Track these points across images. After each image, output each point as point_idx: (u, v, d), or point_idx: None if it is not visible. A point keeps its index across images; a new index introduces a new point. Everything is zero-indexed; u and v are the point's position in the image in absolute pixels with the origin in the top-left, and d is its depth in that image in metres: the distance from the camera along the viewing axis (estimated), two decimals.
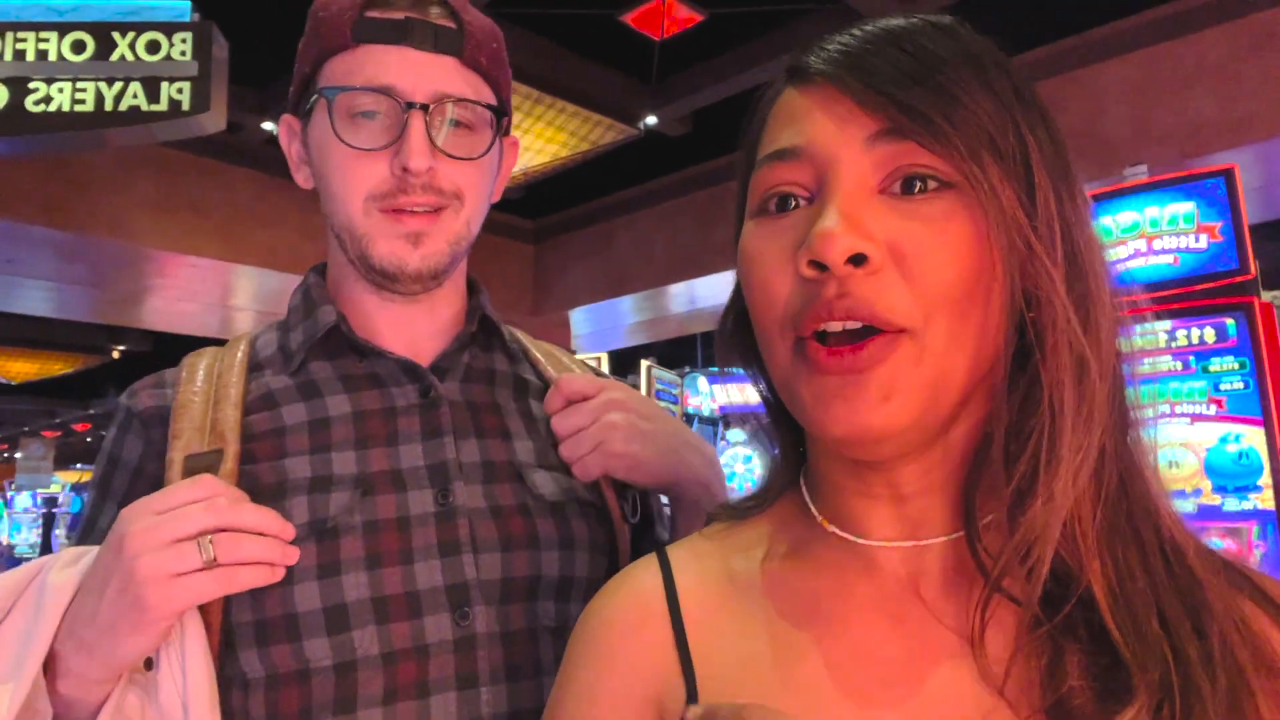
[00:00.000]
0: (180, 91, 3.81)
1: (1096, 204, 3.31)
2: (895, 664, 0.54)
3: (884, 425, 0.51)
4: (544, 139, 6.35)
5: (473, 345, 0.97)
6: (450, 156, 0.85)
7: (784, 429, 0.65)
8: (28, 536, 17.59)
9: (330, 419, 0.86)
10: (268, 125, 6.50)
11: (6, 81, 3.72)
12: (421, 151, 0.83)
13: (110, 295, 8.08)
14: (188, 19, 3.82)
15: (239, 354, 0.92)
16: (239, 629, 0.77)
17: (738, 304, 0.64)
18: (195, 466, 0.80)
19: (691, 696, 0.57)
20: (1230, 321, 2.92)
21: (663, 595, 0.62)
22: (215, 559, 0.70)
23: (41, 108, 3.73)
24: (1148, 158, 4.14)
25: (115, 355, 11.63)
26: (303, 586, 0.78)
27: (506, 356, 1.00)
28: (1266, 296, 3.01)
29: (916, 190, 0.51)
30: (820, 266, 0.50)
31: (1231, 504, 2.86)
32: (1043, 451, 0.50)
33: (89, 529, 0.89)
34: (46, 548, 16.36)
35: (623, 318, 8.62)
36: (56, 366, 11.68)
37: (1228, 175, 2.95)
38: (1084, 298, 0.51)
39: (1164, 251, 3.09)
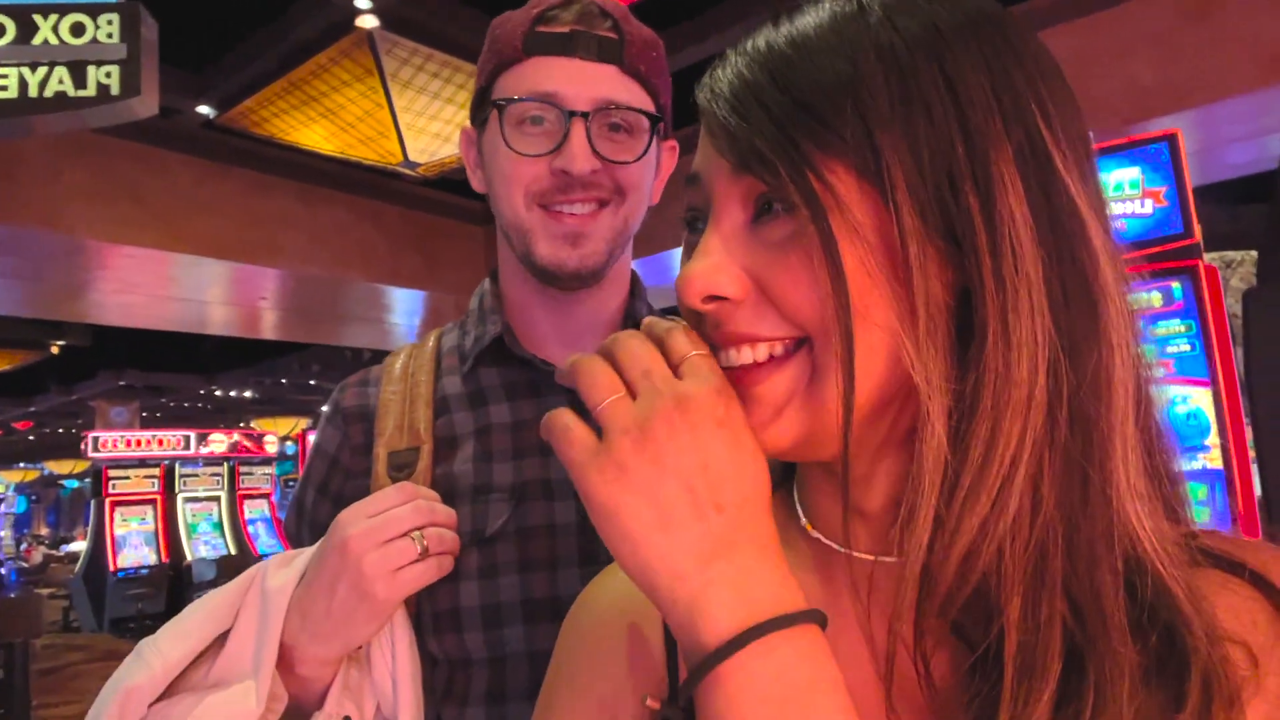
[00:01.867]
0: (109, 76, 3.67)
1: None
2: (869, 675, 0.53)
3: (773, 443, 0.51)
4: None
5: None
6: (608, 161, 0.91)
7: None
8: None
9: (492, 426, 0.95)
10: (204, 109, 6.30)
11: None
12: (583, 155, 0.89)
13: (47, 289, 7.83)
14: (114, 0, 3.67)
15: (428, 353, 1.03)
16: (421, 618, 0.89)
17: None
18: (397, 461, 0.93)
19: (672, 698, 0.56)
20: (1176, 285, 2.97)
21: None
22: (428, 549, 0.82)
23: None
24: (1091, 125, 4.18)
25: (55, 350, 11.29)
26: (466, 585, 0.88)
27: None
28: (1208, 259, 3.07)
29: (763, 218, 0.51)
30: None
31: (1182, 464, 2.92)
32: (919, 483, 0.48)
33: (298, 507, 1.02)
34: None
35: None
36: None
37: (1171, 140, 2.99)
38: (983, 321, 0.47)
39: (1111, 218, 3.13)
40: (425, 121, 6.00)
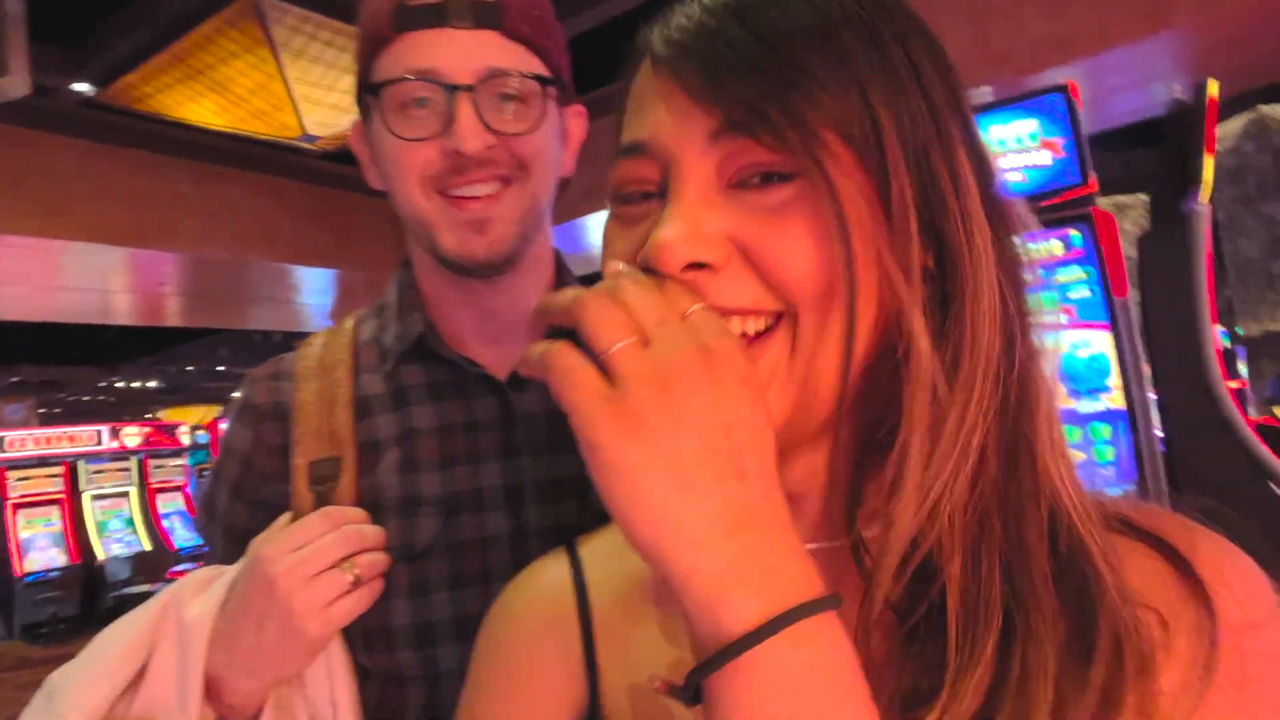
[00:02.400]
0: None
1: None
2: None
3: None
4: None
5: None
6: (502, 134, 0.84)
7: None
8: None
9: (417, 431, 0.91)
10: (82, 87, 5.95)
11: None
12: (473, 133, 0.82)
13: None
14: None
15: (345, 344, 0.96)
16: (350, 635, 0.85)
17: None
18: (319, 474, 0.87)
19: (594, 711, 0.55)
20: (1075, 233, 3.07)
21: (573, 595, 0.60)
22: (360, 578, 0.79)
23: None
24: (990, 79, 4.28)
25: None
26: (396, 603, 0.85)
27: None
28: (1101, 204, 3.18)
29: (755, 184, 0.49)
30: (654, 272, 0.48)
31: (1085, 406, 3.04)
32: (907, 454, 0.48)
33: (210, 507, 0.98)
34: None
35: None
36: None
37: (1066, 91, 3.08)
38: (959, 289, 0.49)
39: (1011, 170, 3.21)
40: (322, 93, 5.78)
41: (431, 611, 0.85)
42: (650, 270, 0.47)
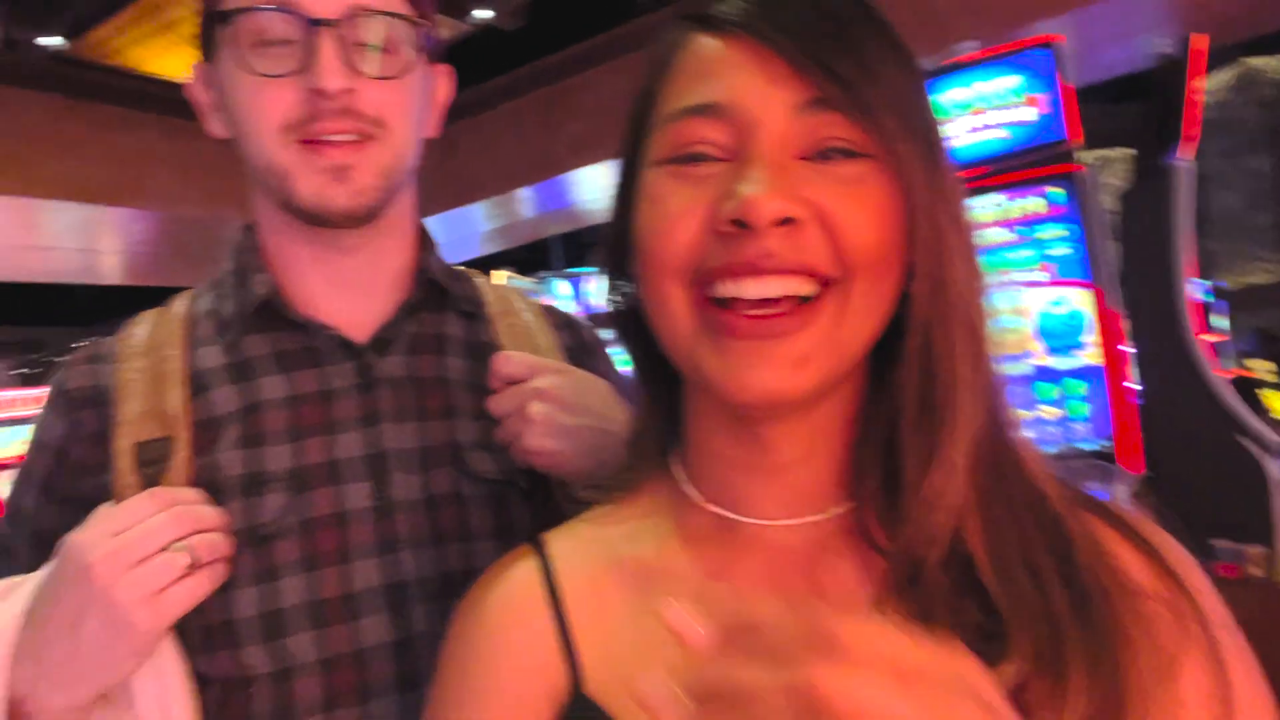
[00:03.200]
0: None
1: (929, 82, 3.35)
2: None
3: (795, 389, 0.51)
4: None
5: (422, 310, 0.90)
6: (367, 76, 0.78)
7: (657, 396, 0.63)
8: None
9: (263, 403, 0.82)
10: (51, 40, 5.81)
11: None
12: (334, 70, 0.75)
13: None
14: None
15: (177, 321, 0.87)
16: (186, 634, 0.75)
17: (607, 254, 0.63)
18: (148, 456, 0.78)
19: (576, 684, 0.55)
20: (1058, 191, 3.07)
21: (541, 585, 0.60)
22: (199, 560, 0.70)
23: None
24: (975, 32, 4.23)
25: None
26: (241, 592, 0.76)
27: (461, 317, 0.93)
28: (1085, 158, 3.17)
29: (834, 158, 0.52)
30: (742, 224, 0.50)
31: (1061, 363, 3.06)
32: (941, 418, 0.52)
33: (15, 513, 0.85)
34: None
35: (475, 225, 8.38)
36: None
37: (1054, 47, 3.05)
38: (972, 269, 0.54)
39: (995, 126, 3.19)
40: None
41: (281, 598, 0.77)
42: (737, 223, 0.50)
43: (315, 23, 0.76)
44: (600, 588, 0.59)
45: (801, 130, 0.52)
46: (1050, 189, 3.08)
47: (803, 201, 0.50)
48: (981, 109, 3.23)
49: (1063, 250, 3.08)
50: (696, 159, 0.53)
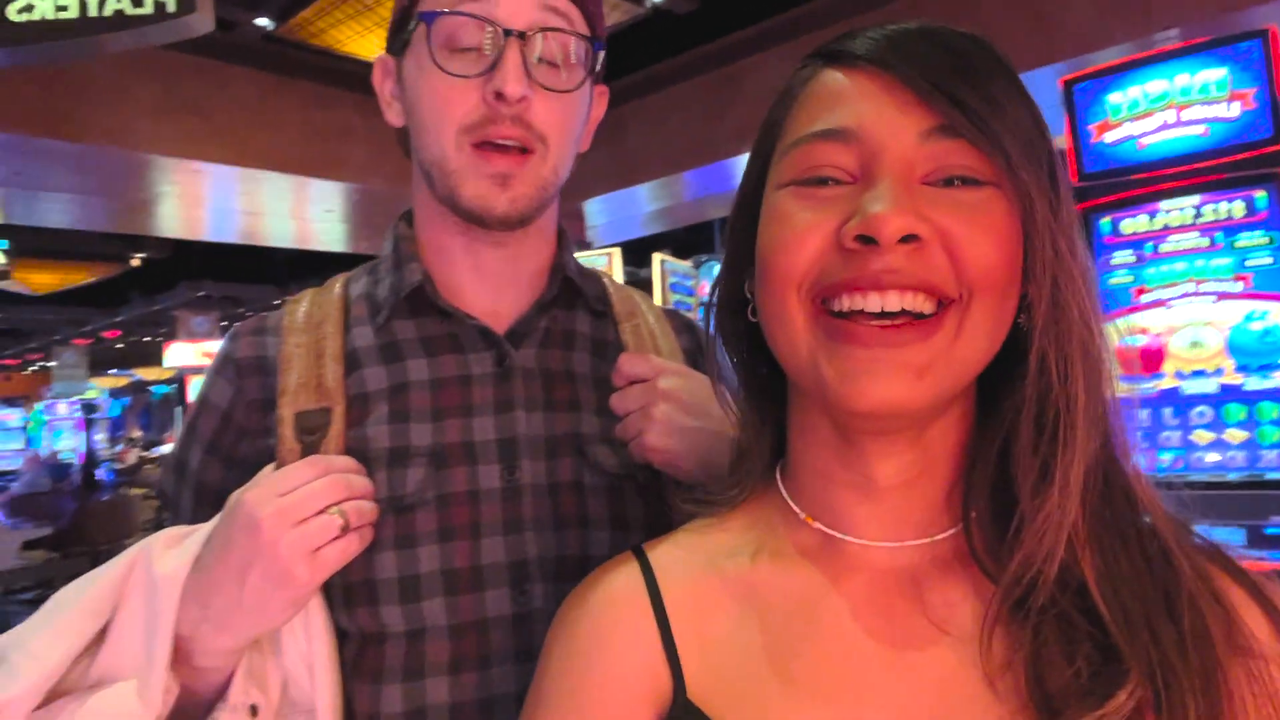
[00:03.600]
0: None
1: (1125, 73, 3.14)
2: (886, 660, 0.54)
3: (913, 400, 0.52)
4: None
5: (554, 307, 0.96)
6: (543, 87, 0.84)
7: (764, 414, 0.65)
8: (70, 442, 18.20)
9: (409, 384, 0.88)
10: (263, 21, 6.30)
11: None
12: (518, 78, 0.82)
13: (123, 204, 8.05)
14: None
15: (335, 302, 0.94)
16: (330, 591, 0.82)
17: (725, 285, 0.65)
18: (307, 424, 0.85)
19: (679, 690, 0.57)
20: (1261, 194, 2.81)
21: (644, 591, 0.62)
22: (349, 524, 0.76)
23: (25, 16, 3.62)
24: (1183, 16, 3.91)
25: (136, 263, 11.69)
26: (382, 556, 0.82)
27: (591, 315, 0.99)
28: None
29: (956, 185, 0.53)
30: (868, 240, 0.51)
31: (1253, 383, 2.81)
32: (1060, 443, 0.52)
33: (179, 468, 0.93)
34: (89, 454, 16.97)
35: (638, 206, 8.49)
36: (77, 276, 11.78)
37: (1264, 37, 2.78)
38: (1090, 297, 0.55)
39: (1193, 122, 2.95)
40: None
41: (418, 564, 0.83)
42: (862, 239, 0.51)
43: (507, 33, 0.82)
44: (702, 598, 0.60)
45: (927, 156, 0.53)
46: (1253, 192, 2.82)
47: (927, 221, 0.51)
48: (1180, 103, 2.99)
49: (1263, 260, 2.82)
50: (823, 181, 0.55)
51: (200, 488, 0.91)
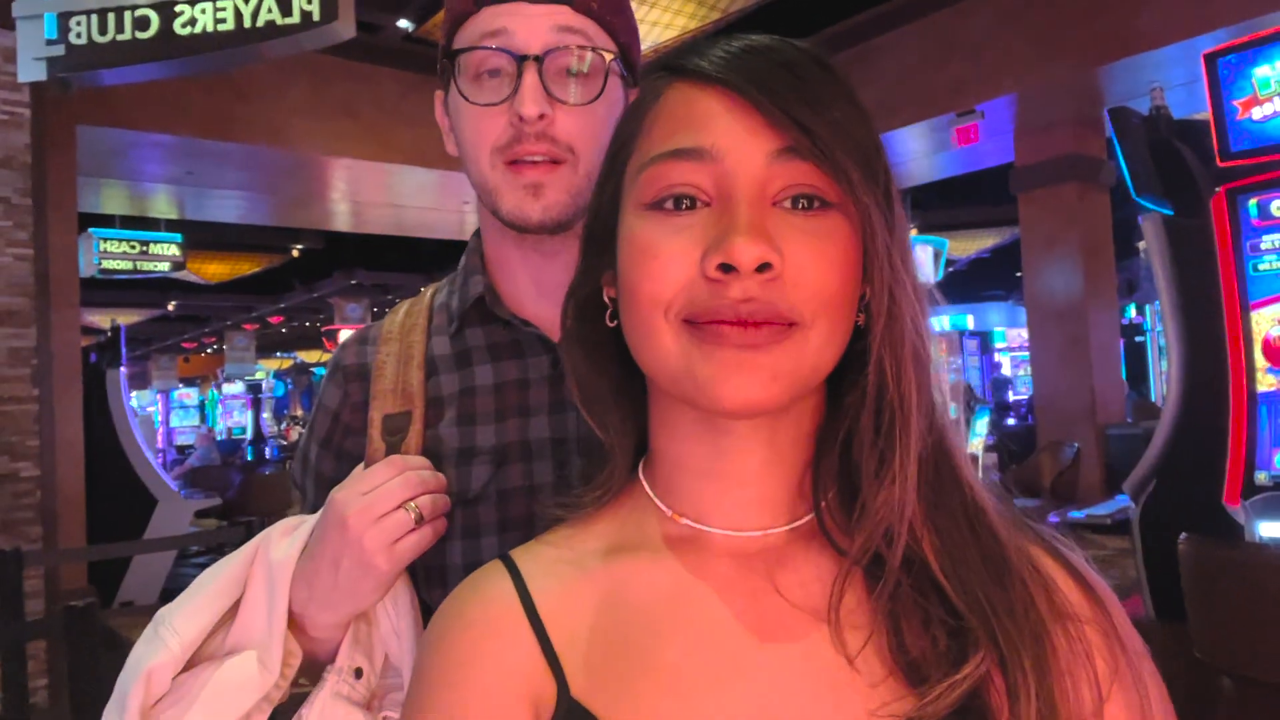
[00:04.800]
0: (309, 2, 3.96)
1: (1273, 44, 2.91)
2: (753, 642, 0.58)
3: (768, 401, 0.56)
4: (671, 10, 6.16)
5: None
6: (562, 103, 0.90)
7: (624, 414, 0.68)
8: (239, 419, 19.68)
9: (476, 388, 0.97)
10: (404, 23, 6.62)
11: (156, 8, 3.97)
12: (534, 99, 0.87)
13: (284, 199, 8.65)
14: None
15: (423, 311, 1.04)
16: (414, 572, 0.92)
17: (581, 292, 0.68)
18: (391, 426, 0.95)
19: (563, 690, 0.58)
20: None
21: (516, 596, 0.63)
22: (424, 517, 0.85)
23: (188, 30, 3.98)
24: (1237, 14, 3.57)
25: (295, 254, 12.52)
26: (452, 544, 0.92)
27: None
28: None
29: (801, 207, 0.56)
30: (728, 269, 0.54)
31: None
32: (896, 437, 0.57)
33: (303, 460, 1.06)
34: (257, 431, 18.32)
35: None
36: (245, 266, 12.71)
37: None
38: (919, 304, 0.59)
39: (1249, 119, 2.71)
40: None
41: (482, 552, 0.91)
42: (724, 268, 0.54)
43: (521, 58, 0.88)
44: (574, 598, 0.62)
45: (776, 174, 0.56)
46: None
47: (778, 252, 0.54)
48: (1266, 95, 2.76)
49: None
50: (679, 201, 0.57)
51: (319, 477, 1.03)
